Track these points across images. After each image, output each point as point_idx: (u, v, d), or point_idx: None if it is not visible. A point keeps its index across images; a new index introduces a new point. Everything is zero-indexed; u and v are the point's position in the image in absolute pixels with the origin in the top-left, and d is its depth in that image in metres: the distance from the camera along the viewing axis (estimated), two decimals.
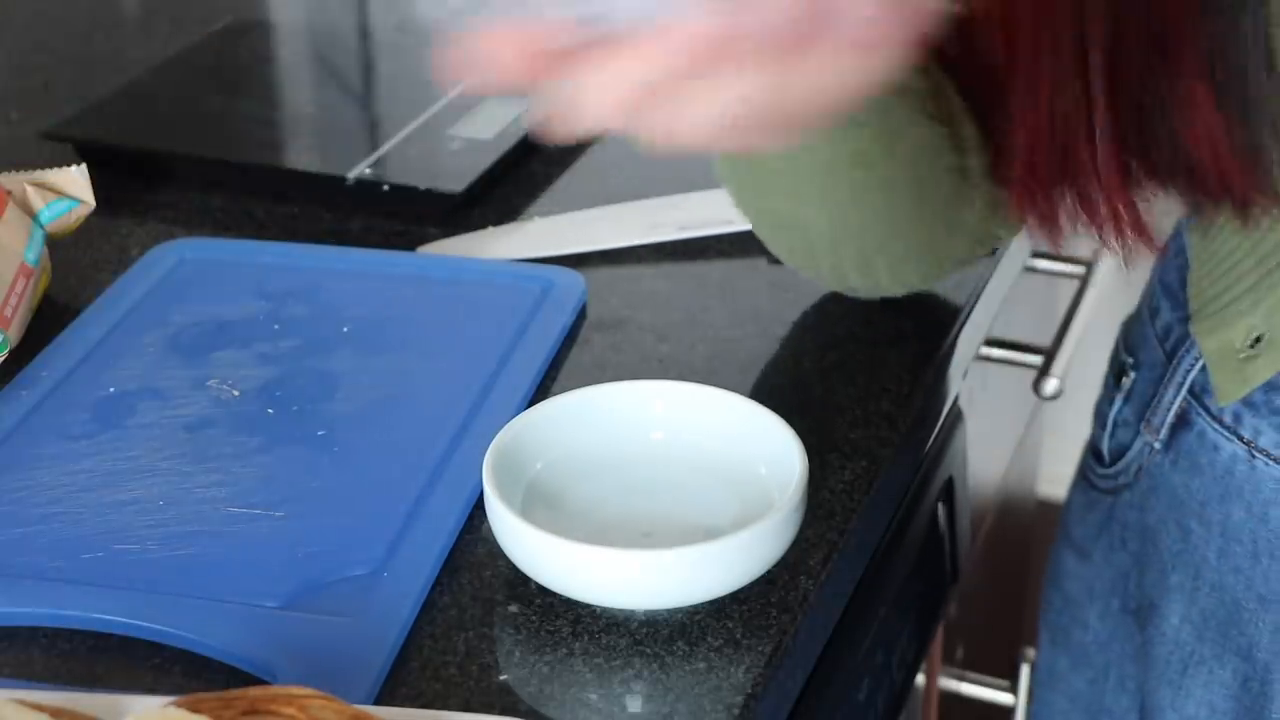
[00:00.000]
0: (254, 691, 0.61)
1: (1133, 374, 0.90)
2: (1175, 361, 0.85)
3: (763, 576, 0.71)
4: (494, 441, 0.73)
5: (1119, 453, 0.91)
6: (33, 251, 0.90)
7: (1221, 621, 0.83)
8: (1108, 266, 1.21)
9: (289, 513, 0.75)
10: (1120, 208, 0.71)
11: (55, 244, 0.94)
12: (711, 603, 0.70)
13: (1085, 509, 0.96)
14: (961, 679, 1.19)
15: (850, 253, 0.82)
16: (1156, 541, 0.87)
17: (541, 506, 0.73)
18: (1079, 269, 1.20)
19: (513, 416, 0.77)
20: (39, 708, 0.60)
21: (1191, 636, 0.85)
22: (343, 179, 1.04)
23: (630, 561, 0.68)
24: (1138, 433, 0.88)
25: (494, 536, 0.72)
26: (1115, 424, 0.91)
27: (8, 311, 0.86)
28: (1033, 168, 0.71)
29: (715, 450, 0.76)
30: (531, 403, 0.81)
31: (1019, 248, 1.01)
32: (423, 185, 1.03)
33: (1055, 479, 1.98)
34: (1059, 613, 0.98)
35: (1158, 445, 0.86)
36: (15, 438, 0.81)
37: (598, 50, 0.55)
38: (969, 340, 0.93)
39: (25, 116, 1.16)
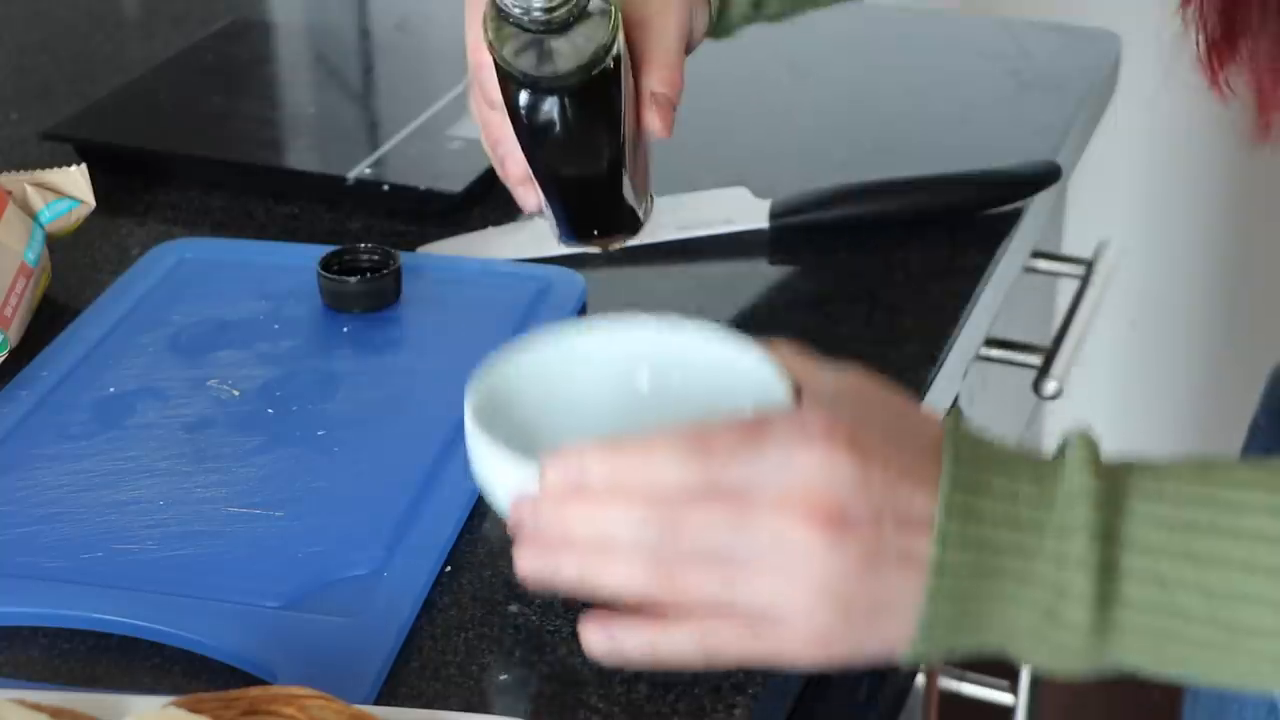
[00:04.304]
0: (254, 691, 0.61)
1: None
2: None
3: None
4: (475, 381, 0.71)
5: None
6: (33, 251, 0.90)
7: None
8: (1108, 266, 1.21)
9: (289, 513, 0.75)
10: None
11: (55, 244, 0.94)
12: None
13: None
14: (961, 679, 1.19)
15: None
16: None
17: (525, 451, 0.69)
18: (1079, 269, 1.20)
19: None
20: (39, 708, 0.60)
21: None
22: (343, 179, 1.03)
23: None
24: None
25: (491, 533, 0.71)
26: None
27: (8, 311, 0.86)
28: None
29: (701, 392, 0.73)
30: None
31: (1019, 247, 1.01)
32: (423, 185, 1.03)
33: None
34: None
35: None
36: (15, 438, 0.81)
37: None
38: (969, 340, 0.93)
39: (25, 116, 1.16)
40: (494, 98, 0.80)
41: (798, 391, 0.67)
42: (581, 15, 0.77)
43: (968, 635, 0.62)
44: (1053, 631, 0.61)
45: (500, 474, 0.68)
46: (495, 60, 0.78)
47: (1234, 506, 0.60)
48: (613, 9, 0.77)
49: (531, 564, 0.64)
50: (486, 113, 0.83)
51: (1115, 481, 0.61)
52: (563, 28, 0.77)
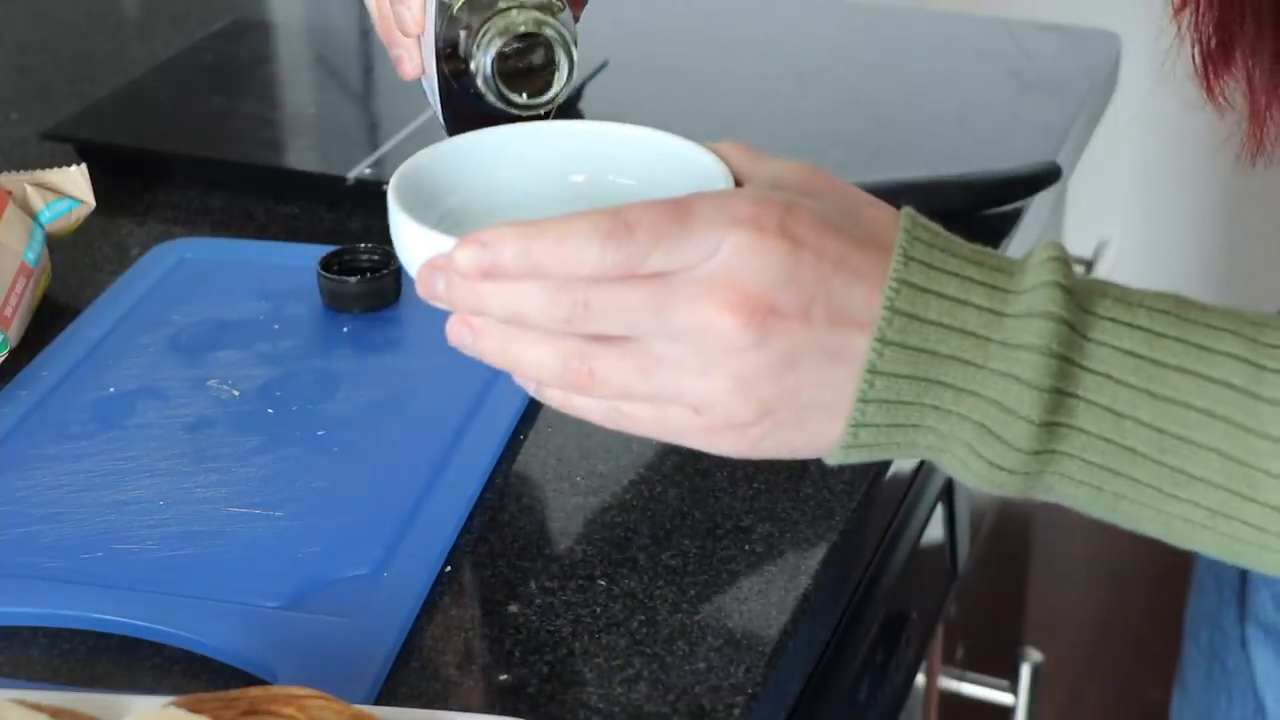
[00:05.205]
0: (254, 691, 0.61)
1: None
2: None
3: (762, 576, 0.71)
4: (402, 167, 0.68)
5: None
6: (33, 251, 0.90)
7: None
8: (1108, 266, 1.21)
9: (289, 513, 0.75)
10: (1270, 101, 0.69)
11: (55, 244, 0.94)
12: (711, 603, 0.70)
13: None
14: (961, 679, 1.19)
15: None
16: None
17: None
18: (1079, 269, 1.20)
19: (511, 416, 0.77)
20: (39, 708, 0.60)
21: None
22: (343, 179, 1.04)
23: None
24: None
25: (491, 533, 0.71)
26: None
27: (8, 311, 0.86)
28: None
29: (640, 192, 0.69)
30: (530, 404, 0.81)
31: (1019, 247, 1.01)
32: None
33: None
34: None
35: None
36: (15, 438, 0.81)
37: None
38: None
39: (25, 116, 1.17)
40: (409, 28, 0.79)
41: (739, 184, 0.63)
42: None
43: (898, 441, 0.60)
44: (987, 448, 0.59)
45: (416, 250, 0.65)
46: (441, 65, 0.78)
47: (1206, 352, 0.59)
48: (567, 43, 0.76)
49: (456, 335, 0.62)
50: (395, 34, 0.81)
51: (1083, 306, 0.59)
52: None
